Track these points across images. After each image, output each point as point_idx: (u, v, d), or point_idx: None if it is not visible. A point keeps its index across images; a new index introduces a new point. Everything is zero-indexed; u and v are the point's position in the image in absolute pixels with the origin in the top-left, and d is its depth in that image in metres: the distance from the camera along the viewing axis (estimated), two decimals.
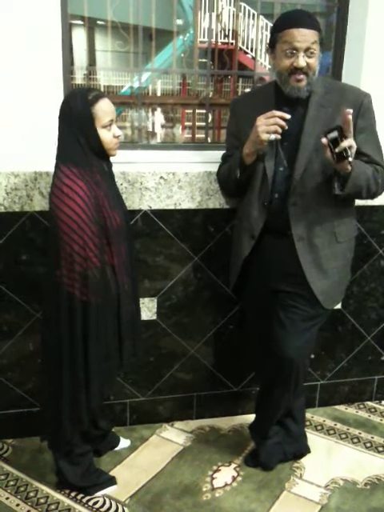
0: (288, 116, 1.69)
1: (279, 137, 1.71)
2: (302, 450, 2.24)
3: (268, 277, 1.93)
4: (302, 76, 1.71)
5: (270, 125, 1.69)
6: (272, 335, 1.93)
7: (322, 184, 1.77)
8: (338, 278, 1.91)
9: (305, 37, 1.67)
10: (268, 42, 1.79)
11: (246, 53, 9.94)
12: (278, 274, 1.90)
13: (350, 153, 1.58)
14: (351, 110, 1.56)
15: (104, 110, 1.64)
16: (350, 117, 1.56)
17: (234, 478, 2.12)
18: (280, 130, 1.69)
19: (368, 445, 2.35)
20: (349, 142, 1.57)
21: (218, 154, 2.10)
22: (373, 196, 1.83)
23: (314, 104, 1.78)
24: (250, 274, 1.99)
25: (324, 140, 1.58)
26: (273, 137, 1.70)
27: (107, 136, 1.67)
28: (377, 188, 1.80)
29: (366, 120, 1.79)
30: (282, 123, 1.69)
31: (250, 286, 2.02)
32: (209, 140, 2.88)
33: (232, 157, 1.94)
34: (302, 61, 1.69)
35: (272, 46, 1.76)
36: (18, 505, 1.94)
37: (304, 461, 2.22)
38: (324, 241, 1.84)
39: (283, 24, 1.71)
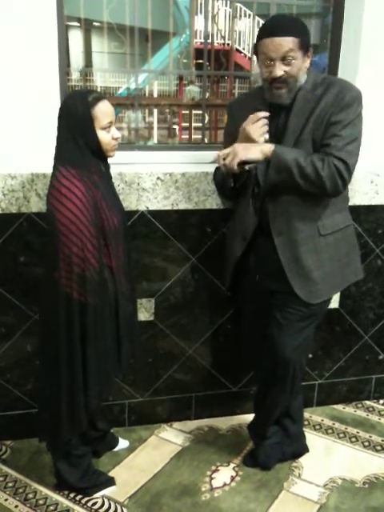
0: (265, 113, 1.76)
1: (267, 136, 1.77)
2: (301, 450, 2.24)
3: (263, 277, 1.93)
4: (281, 84, 1.72)
5: (260, 127, 1.75)
6: (268, 335, 1.93)
7: None
8: (325, 272, 1.85)
9: (278, 46, 1.65)
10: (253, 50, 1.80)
11: (240, 52, 9.94)
12: (271, 274, 1.90)
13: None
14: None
15: (103, 111, 1.65)
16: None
17: (232, 478, 2.12)
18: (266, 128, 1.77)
19: (366, 444, 2.35)
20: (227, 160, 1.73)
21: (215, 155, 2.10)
22: (313, 184, 1.70)
23: (299, 100, 1.76)
24: (245, 274, 1.99)
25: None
26: (267, 136, 1.77)
27: (106, 137, 1.67)
28: (315, 172, 1.67)
29: (347, 114, 1.70)
30: (265, 121, 1.76)
31: (245, 285, 2.03)
32: (205, 141, 2.88)
33: None
34: (278, 71, 1.68)
35: (256, 55, 1.77)
36: (16, 506, 1.94)
37: (302, 460, 2.22)
38: (305, 235, 1.81)
39: (260, 34, 1.70)
